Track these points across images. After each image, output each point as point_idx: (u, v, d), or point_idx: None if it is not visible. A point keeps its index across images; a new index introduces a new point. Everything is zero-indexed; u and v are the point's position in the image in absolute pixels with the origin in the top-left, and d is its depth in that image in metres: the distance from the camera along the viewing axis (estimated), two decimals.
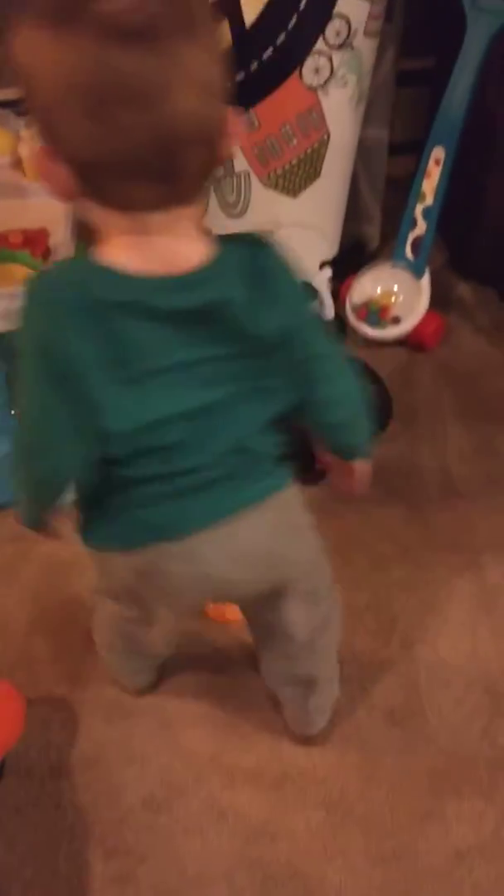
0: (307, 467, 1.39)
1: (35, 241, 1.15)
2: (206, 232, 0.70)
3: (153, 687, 1.16)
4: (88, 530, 0.81)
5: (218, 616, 1.23)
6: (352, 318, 1.59)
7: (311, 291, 1.27)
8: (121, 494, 0.76)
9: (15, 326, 0.68)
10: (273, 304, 0.71)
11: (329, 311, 1.27)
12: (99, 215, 0.66)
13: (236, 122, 0.65)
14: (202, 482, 0.75)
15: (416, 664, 1.19)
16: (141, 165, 0.60)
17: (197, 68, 0.58)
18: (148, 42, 0.56)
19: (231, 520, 0.78)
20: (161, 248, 0.67)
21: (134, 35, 0.56)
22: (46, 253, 1.15)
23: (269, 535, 0.82)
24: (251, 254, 0.71)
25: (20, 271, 1.10)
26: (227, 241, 0.71)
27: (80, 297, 0.66)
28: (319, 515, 1.34)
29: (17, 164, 1.24)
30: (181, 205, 0.65)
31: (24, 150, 1.22)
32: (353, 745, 1.11)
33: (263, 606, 0.92)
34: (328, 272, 1.27)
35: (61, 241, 1.19)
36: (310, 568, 0.92)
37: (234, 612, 1.23)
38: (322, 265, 1.35)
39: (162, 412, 0.71)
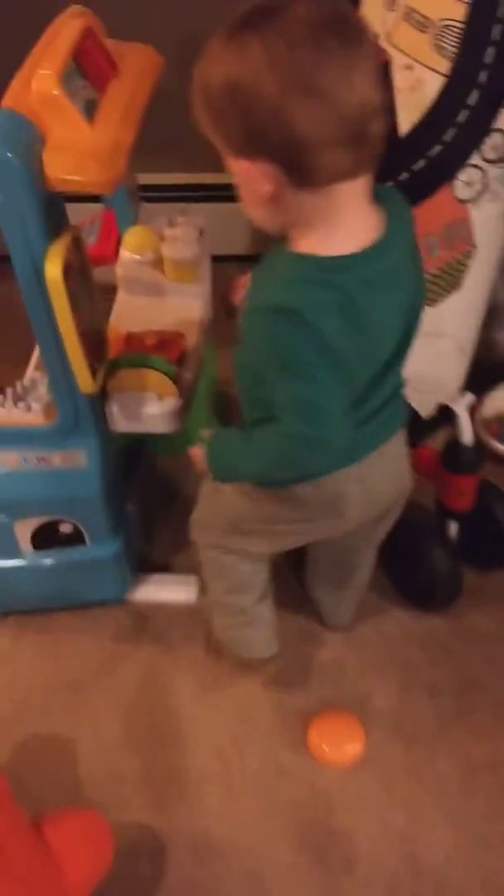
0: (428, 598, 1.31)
1: (170, 343, 1.12)
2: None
3: (273, 657, 1.21)
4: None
5: (320, 756, 1.14)
6: (481, 432, 1.51)
7: (448, 415, 1.21)
8: None
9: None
10: (415, 260, 0.91)
11: (468, 436, 1.20)
12: (296, 205, 0.78)
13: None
14: (375, 413, 0.92)
15: None
16: (345, 133, 0.73)
17: (369, 61, 0.74)
18: (342, 36, 0.71)
19: (387, 442, 0.97)
20: (349, 225, 0.80)
21: (331, 29, 0.71)
22: (181, 357, 1.12)
23: (403, 451, 1.02)
24: (408, 228, 0.89)
25: (153, 376, 1.07)
26: (387, 207, 0.84)
27: (329, 291, 0.78)
28: (439, 654, 1.25)
29: (158, 263, 1.22)
30: (365, 171, 0.78)
31: (166, 250, 1.21)
32: None
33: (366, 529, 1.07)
34: (469, 396, 1.20)
35: (194, 345, 1.16)
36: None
37: (336, 753, 1.14)
38: (463, 391, 1.29)
39: (379, 359, 0.87)
